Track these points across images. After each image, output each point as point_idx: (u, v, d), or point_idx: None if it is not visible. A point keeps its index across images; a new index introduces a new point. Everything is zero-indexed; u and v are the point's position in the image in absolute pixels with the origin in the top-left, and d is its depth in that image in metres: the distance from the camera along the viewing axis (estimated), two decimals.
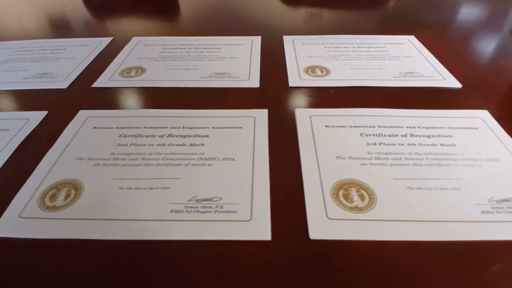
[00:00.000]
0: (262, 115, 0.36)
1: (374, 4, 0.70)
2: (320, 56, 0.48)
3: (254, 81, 0.43)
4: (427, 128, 0.34)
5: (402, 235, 0.25)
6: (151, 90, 0.42)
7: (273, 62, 0.47)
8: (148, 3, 0.73)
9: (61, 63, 0.48)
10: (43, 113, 0.37)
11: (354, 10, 0.68)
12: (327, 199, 0.27)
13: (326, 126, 0.35)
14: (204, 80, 0.43)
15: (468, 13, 0.65)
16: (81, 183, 0.29)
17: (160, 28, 0.61)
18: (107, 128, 0.35)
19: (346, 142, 0.33)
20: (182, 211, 0.26)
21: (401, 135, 0.33)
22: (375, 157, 0.31)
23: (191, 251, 0.24)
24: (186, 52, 0.50)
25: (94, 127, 0.35)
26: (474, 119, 0.36)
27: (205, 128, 0.34)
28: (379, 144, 0.32)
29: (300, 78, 0.43)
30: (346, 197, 0.27)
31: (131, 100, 0.41)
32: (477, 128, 0.34)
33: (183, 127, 0.35)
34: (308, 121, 0.35)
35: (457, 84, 0.42)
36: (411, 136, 0.33)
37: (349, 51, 0.49)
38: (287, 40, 0.52)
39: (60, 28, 0.61)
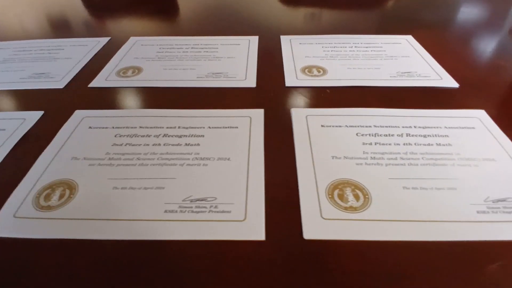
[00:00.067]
0: (258, 115, 0.36)
1: (372, 4, 0.70)
2: (317, 56, 0.48)
3: (250, 81, 0.42)
4: (423, 127, 0.34)
5: (397, 235, 0.25)
6: (147, 90, 0.42)
7: (270, 62, 0.47)
8: (147, 3, 0.73)
9: (58, 63, 0.48)
10: (39, 113, 0.37)
11: (353, 10, 0.67)
12: (322, 199, 0.27)
13: (322, 126, 0.34)
14: (201, 80, 0.43)
15: (466, 13, 0.65)
16: (75, 183, 0.29)
17: (158, 28, 0.61)
18: (103, 128, 0.35)
19: (342, 142, 0.32)
20: (176, 211, 0.26)
21: (397, 135, 0.33)
22: (371, 157, 0.31)
23: (184, 251, 0.24)
24: (183, 52, 0.50)
25: (90, 127, 0.35)
26: (471, 119, 0.35)
27: (200, 128, 0.34)
28: (375, 144, 0.32)
29: (297, 78, 0.43)
30: (341, 197, 0.27)
31: (127, 100, 0.41)
32: (473, 128, 0.34)
33: (179, 127, 0.35)
34: (304, 121, 0.35)
35: (454, 84, 0.41)
36: (407, 136, 0.33)
37: (346, 51, 0.49)
38: (285, 40, 0.52)
39: (59, 28, 0.61)
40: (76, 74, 0.45)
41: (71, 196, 0.28)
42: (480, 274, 0.22)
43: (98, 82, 0.43)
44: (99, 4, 0.74)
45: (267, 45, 0.52)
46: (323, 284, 0.22)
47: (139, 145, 0.32)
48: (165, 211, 0.26)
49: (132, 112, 0.38)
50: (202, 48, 0.50)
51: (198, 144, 0.32)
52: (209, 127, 0.34)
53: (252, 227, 0.25)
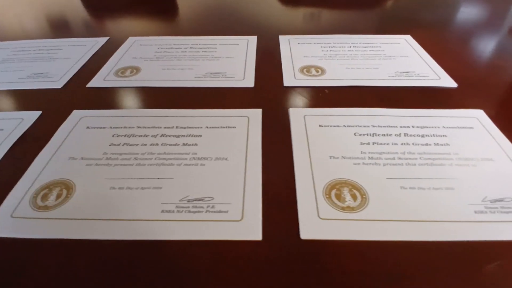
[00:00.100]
0: (256, 114, 0.36)
1: (372, 4, 0.70)
2: (315, 56, 0.47)
3: (249, 81, 0.42)
4: (421, 127, 0.34)
5: (394, 235, 0.25)
6: (145, 90, 0.42)
7: (268, 61, 0.47)
8: (147, 3, 0.73)
9: (56, 63, 0.48)
10: (37, 113, 0.37)
11: (352, 10, 0.67)
12: (319, 199, 0.27)
13: (320, 125, 0.34)
14: (199, 80, 0.43)
15: (465, 13, 0.65)
16: (73, 183, 0.29)
17: (157, 28, 0.61)
18: (100, 128, 0.35)
19: (339, 141, 0.32)
20: (173, 211, 0.26)
21: (395, 135, 0.33)
22: (369, 157, 0.31)
23: (181, 251, 0.24)
24: (181, 52, 0.50)
25: (88, 127, 0.35)
26: (469, 119, 0.35)
27: (198, 127, 0.34)
28: (373, 143, 0.32)
29: (295, 77, 0.43)
30: (338, 197, 0.27)
31: (125, 100, 0.41)
32: (472, 127, 0.34)
33: (177, 127, 0.34)
34: (302, 120, 0.35)
35: (452, 84, 0.41)
36: (405, 135, 0.33)
37: (345, 51, 0.49)
38: (283, 39, 0.52)
39: (58, 28, 0.61)
40: (75, 74, 0.45)
41: (68, 196, 0.28)
42: (478, 274, 0.22)
43: (96, 82, 0.43)
44: (98, 4, 0.74)
45: (265, 45, 0.52)
46: (320, 284, 0.22)
47: (137, 145, 0.32)
48: (162, 211, 0.26)
49: (130, 112, 0.37)
50: (201, 48, 0.50)
51: (196, 144, 0.32)
52: (207, 127, 0.34)
53: (249, 227, 0.25)
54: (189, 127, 0.34)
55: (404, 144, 0.32)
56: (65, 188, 0.28)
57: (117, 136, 0.33)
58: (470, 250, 0.24)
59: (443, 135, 0.33)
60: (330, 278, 0.22)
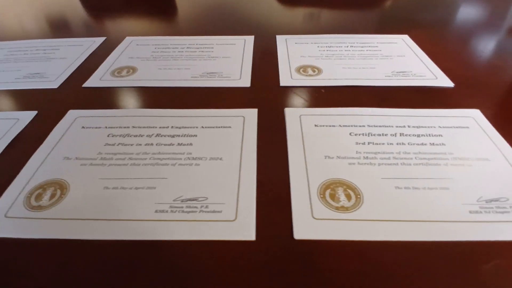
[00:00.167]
0: (251, 114, 0.36)
1: (370, 4, 0.70)
2: (312, 56, 0.47)
3: (245, 81, 0.42)
4: (417, 127, 0.34)
5: (388, 235, 0.24)
6: (141, 90, 0.42)
7: (265, 61, 0.47)
8: (146, 3, 0.73)
9: (53, 63, 0.48)
10: (33, 113, 0.37)
11: (349, 10, 0.67)
12: (314, 199, 0.27)
13: (315, 125, 0.34)
14: (195, 79, 0.43)
15: (462, 13, 0.65)
16: (67, 183, 0.29)
17: (155, 28, 0.61)
18: (96, 128, 0.35)
19: (335, 141, 0.32)
20: (167, 211, 0.26)
21: (391, 135, 0.33)
22: (364, 157, 0.30)
23: (174, 251, 0.24)
24: (178, 51, 0.50)
25: (83, 127, 0.35)
26: (465, 118, 0.35)
27: (193, 127, 0.34)
28: (368, 143, 0.32)
29: (291, 77, 0.43)
30: (332, 196, 0.27)
31: (121, 100, 0.41)
32: (468, 127, 0.34)
33: (172, 127, 0.34)
34: (298, 120, 0.35)
35: (449, 83, 0.41)
36: (400, 135, 0.33)
37: (341, 51, 0.49)
38: (280, 39, 0.52)
39: (55, 28, 0.61)
40: (71, 74, 0.45)
41: (62, 196, 0.28)
42: (472, 274, 0.22)
43: (92, 82, 0.43)
44: (98, 4, 0.74)
45: (262, 44, 0.51)
46: (313, 284, 0.22)
47: (132, 145, 0.32)
48: (156, 211, 0.26)
49: (125, 112, 0.37)
50: (198, 48, 0.50)
51: (191, 144, 0.32)
52: (202, 127, 0.34)
53: (242, 227, 0.25)
54: (184, 127, 0.34)
55: (400, 144, 0.32)
56: (59, 188, 0.28)
57: (112, 136, 0.33)
58: (465, 250, 0.24)
59: (439, 135, 0.33)
60: (324, 278, 0.22)
